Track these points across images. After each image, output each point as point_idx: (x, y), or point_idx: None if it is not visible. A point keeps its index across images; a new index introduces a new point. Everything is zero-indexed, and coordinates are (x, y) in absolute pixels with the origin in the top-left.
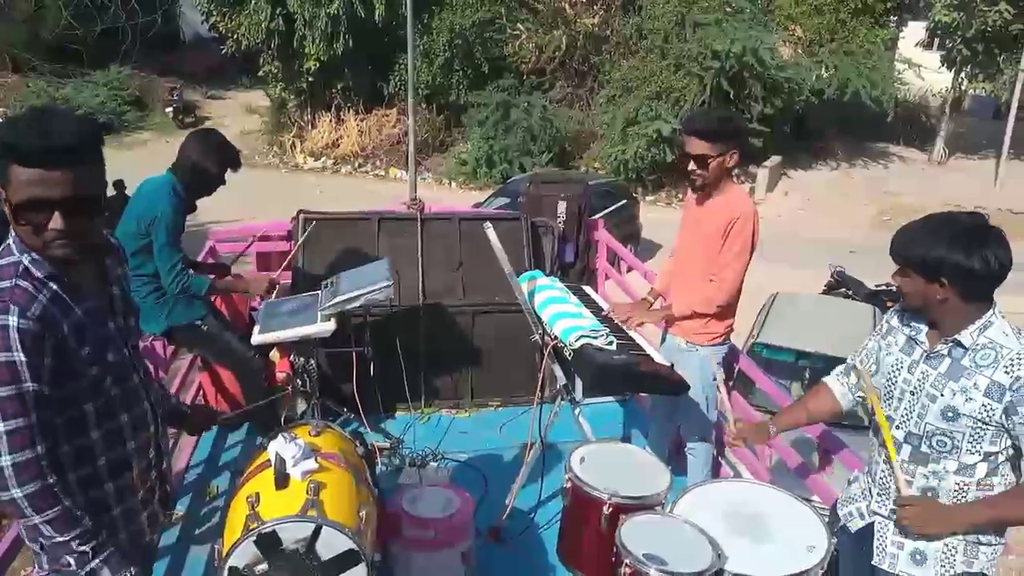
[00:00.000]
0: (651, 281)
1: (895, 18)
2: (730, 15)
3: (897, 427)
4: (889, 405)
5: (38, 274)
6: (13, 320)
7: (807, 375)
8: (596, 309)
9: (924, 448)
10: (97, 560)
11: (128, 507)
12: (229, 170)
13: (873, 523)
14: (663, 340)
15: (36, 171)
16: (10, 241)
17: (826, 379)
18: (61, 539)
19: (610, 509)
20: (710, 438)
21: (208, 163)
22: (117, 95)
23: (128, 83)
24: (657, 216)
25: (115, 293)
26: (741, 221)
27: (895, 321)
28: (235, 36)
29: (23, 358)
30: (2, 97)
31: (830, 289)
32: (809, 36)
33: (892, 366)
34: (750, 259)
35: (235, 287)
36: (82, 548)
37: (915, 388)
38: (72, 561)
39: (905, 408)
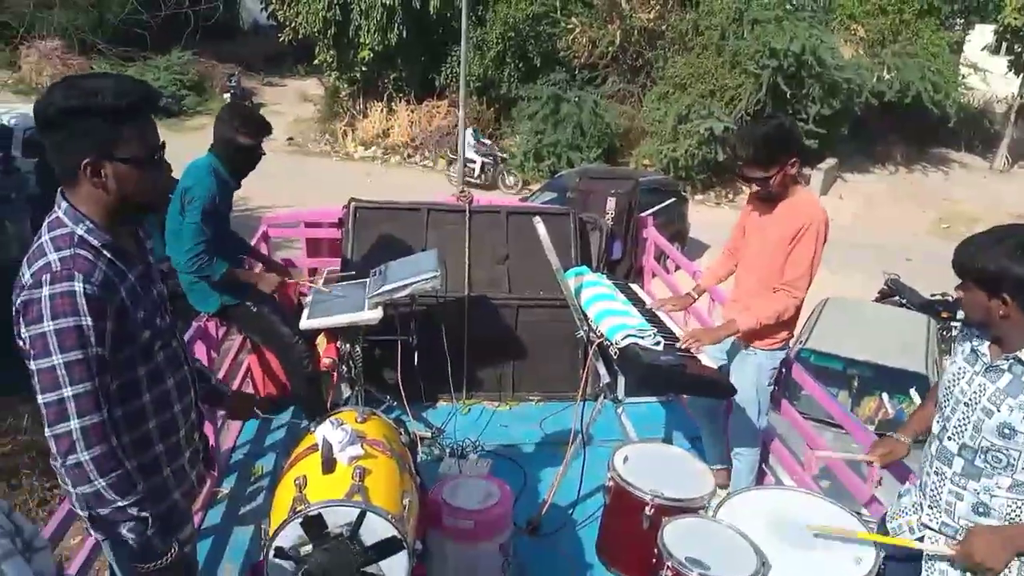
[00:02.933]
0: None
1: (961, 20)
2: (790, 12)
3: (949, 438)
4: (942, 415)
5: (95, 243)
6: (79, 286)
7: (856, 383)
8: (643, 307)
9: (978, 463)
10: (152, 529)
11: (177, 467)
12: (263, 138)
13: (923, 537)
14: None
15: (149, 121)
16: (60, 213)
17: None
18: (122, 503)
19: (652, 510)
20: (757, 443)
21: (239, 135)
22: (178, 79)
23: (188, 68)
24: (706, 215)
25: (151, 260)
26: (813, 228)
27: (964, 330)
28: (293, 24)
29: (90, 322)
30: None
31: (883, 297)
32: (871, 36)
33: (954, 375)
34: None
35: (247, 279)
36: (143, 514)
37: (970, 400)
38: (126, 532)
39: (958, 419)
